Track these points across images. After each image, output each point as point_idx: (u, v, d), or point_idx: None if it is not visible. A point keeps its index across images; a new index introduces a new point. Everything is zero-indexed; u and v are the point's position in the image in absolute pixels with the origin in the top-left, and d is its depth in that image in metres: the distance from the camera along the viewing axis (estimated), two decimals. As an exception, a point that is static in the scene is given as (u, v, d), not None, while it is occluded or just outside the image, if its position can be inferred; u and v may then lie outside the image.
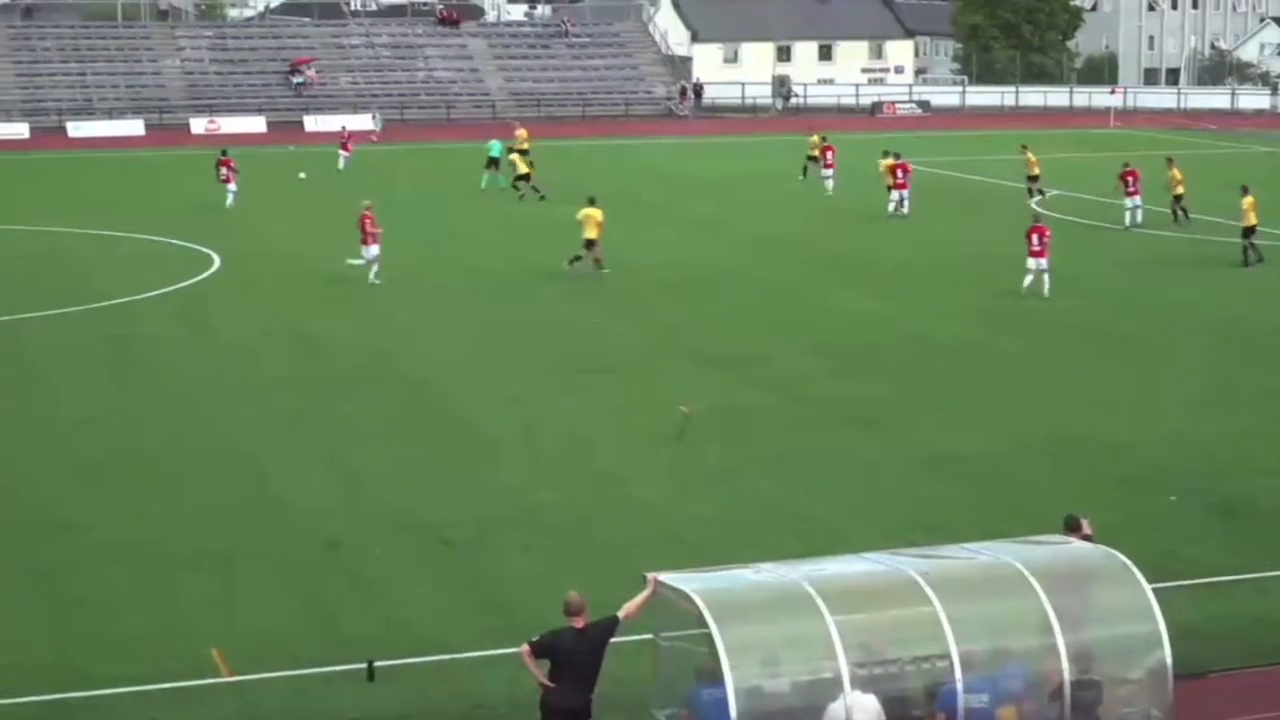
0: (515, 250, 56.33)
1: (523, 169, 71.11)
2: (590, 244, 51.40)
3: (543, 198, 68.23)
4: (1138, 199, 62.08)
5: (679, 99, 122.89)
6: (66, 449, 32.49)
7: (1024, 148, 72.39)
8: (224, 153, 71.43)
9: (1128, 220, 61.95)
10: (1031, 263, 48.18)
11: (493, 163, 74.79)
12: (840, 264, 54.31)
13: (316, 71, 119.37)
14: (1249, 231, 53.48)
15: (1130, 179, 62.43)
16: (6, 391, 37.26)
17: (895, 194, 65.58)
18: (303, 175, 76.37)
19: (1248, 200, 53.64)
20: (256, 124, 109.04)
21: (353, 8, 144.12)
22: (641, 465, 31.41)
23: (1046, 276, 48.00)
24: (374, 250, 49.61)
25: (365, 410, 35.39)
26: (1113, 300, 48.13)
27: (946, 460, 31.73)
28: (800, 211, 67.63)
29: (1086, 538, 20.13)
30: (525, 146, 78.08)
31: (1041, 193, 69.77)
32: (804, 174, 77.79)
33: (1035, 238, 48.36)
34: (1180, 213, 61.76)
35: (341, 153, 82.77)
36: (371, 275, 49.56)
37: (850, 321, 44.78)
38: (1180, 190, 61.59)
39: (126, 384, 37.92)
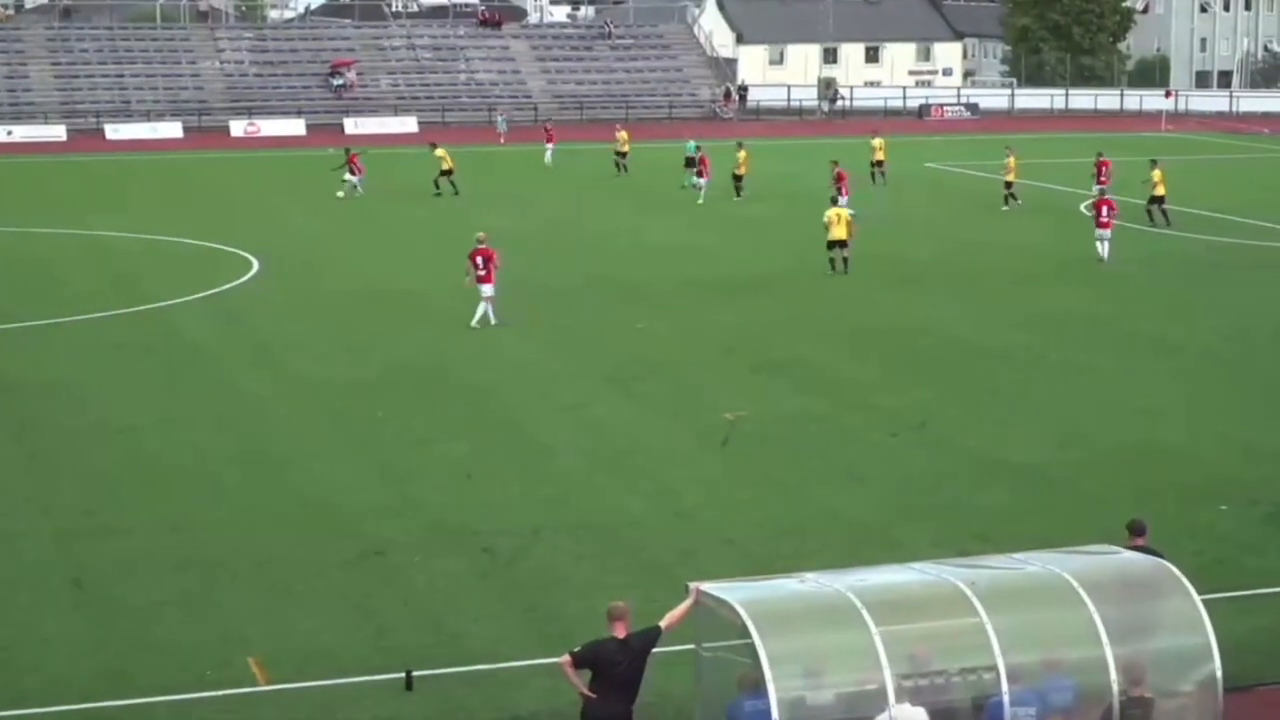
0: (563, 256, 56.55)
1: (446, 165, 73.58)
2: (839, 244, 51.70)
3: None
4: (1105, 187, 64.23)
5: (723, 101, 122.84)
6: (109, 453, 32.70)
7: (1007, 149, 72.27)
8: (348, 151, 75.53)
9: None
10: (1099, 233, 54.33)
11: (690, 162, 75.50)
12: (885, 267, 54.16)
13: (357, 74, 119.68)
14: (1158, 200, 62.22)
15: (1102, 169, 66.62)
16: (49, 395, 37.44)
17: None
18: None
19: (1157, 173, 62.47)
20: (296, 126, 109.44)
21: (394, 9, 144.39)
22: (691, 472, 31.43)
23: (1107, 245, 54.07)
24: (486, 289, 44.22)
25: (414, 415, 35.54)
26: (1162, 305, 48.08)
27: (999, 468, 31.67)
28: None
29: (1142, 547, 20.16)
30: (625, 149, 79.32)
31: (1014, 198, 69.39)
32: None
33: (1104, 210, 54.70)
34: (1160, 215, 62.40)
35: (549, 145, 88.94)
36: (476, 317, 44.24)
37: (899, 326, 44.64)
38: (1160, 191, 62.52)
39: (170, 388, 38.05)
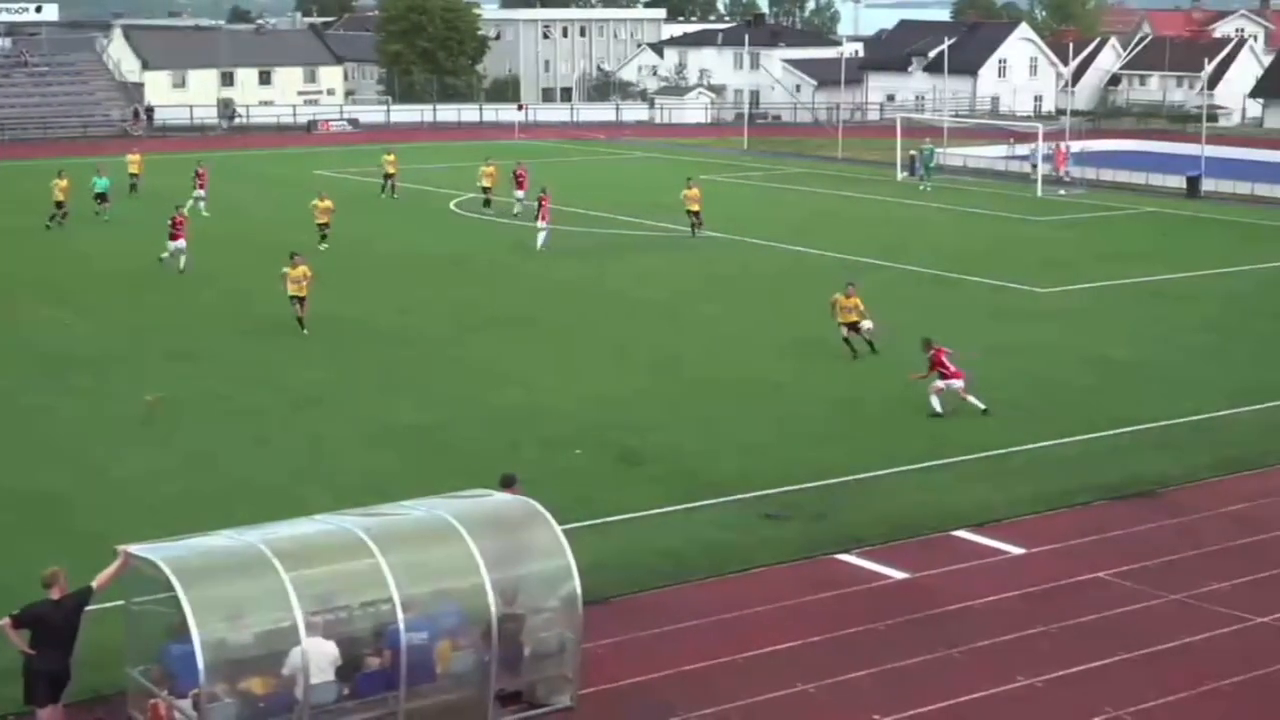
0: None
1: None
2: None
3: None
4: (522, 192, 65.85)
5: (133, 120, 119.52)
6: None
7: (389, 153, 74.49)
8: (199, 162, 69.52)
9: (516, 209, 65.32)
10: (540, 225, 56.01)
11: (101, 197, 66.66)
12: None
13: None
14: (694, 214, 60.65)
15: (520, 177, 67.02)
16: None
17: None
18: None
19: (693, 192, 60.99)
20: None
21: None
22: (120, 451, 30.55)
23: (544, 235, 55.86)
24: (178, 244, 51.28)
25: None
26: (518, 284, 49.19)
27: (390, 432, 31.88)
28: (247, 217, 66.40)
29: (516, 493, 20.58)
30: (136, 170, 74.30)
31: (391, 191, 72.58)
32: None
33: (543, 208, 56.29)
34: (695, 226, 61.02)
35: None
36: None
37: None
38: (694, 207, 61.07)
39: None
